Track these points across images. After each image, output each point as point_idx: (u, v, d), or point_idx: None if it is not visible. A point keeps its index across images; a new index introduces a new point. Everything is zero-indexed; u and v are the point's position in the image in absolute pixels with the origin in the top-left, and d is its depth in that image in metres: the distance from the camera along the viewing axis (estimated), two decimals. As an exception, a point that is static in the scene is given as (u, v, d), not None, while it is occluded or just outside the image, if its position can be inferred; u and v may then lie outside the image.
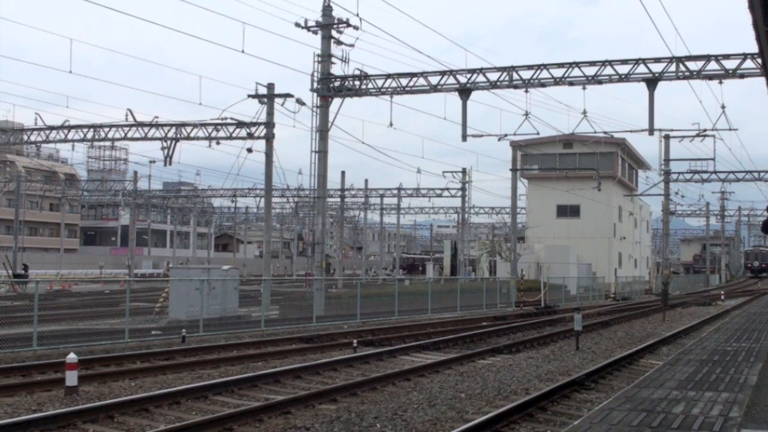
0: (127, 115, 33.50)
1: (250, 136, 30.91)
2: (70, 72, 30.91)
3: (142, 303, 27.49)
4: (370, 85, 28.82)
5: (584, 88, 27.43)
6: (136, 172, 67.00)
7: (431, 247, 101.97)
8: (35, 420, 9.27)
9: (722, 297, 44.38)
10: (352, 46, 28.29)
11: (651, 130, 26.94)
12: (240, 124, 31.19)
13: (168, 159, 33.26)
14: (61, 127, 36.74)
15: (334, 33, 28.03)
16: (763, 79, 16.36)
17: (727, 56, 25.26)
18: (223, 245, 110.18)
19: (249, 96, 29.54)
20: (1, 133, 41.30)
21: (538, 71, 27.20)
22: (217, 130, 32.32)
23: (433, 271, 66.55)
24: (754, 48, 10.25)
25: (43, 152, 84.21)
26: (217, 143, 32.68)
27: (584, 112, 28.05)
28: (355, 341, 17.83)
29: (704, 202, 79.23)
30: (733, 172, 51.89)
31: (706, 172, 51.20)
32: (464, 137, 28.54)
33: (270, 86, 29.56)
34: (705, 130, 37.23)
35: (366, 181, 66.63)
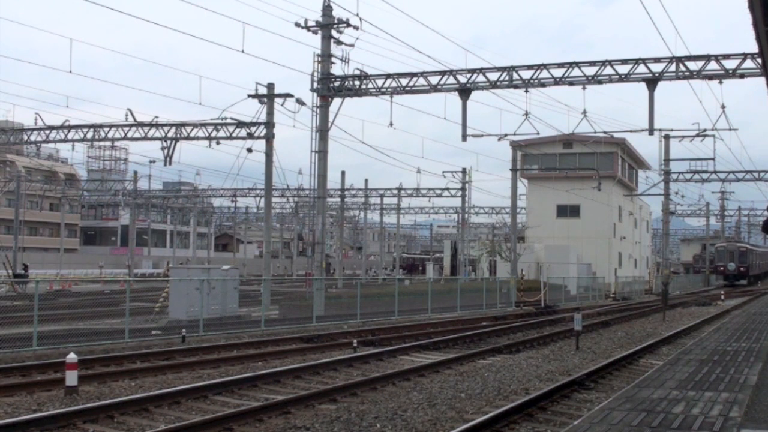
0: (127, 115, 33.51)
1: (250, 136, 30.90)
2: (70, 72, 30.84)
3: (142, 303, 27.47)
4: (370, 85, 28.82)
5: (584, 88, 27.42)
6: (136, 172, 67.06)
7: (431, 247, 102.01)
8: (35, 420, 9.27)
9: (722, 297, 44.37)
10: (352, 46, 28.30)
11: (651, 130, 26.93)
12: (240, 124, 31.18)
13: (168, 159, 33.25)
14: (61, 127, 36.72)
15: (334, 33, 28.03)
16: (763, 79, 16.35)
17: (727, 56, 25.25)
18: (223, 245, 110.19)
19: (249, 96, 29.54)
20: (1, 133, 41.30)
21: (538, 71, 27.19)
22: (217, 130, 32.31)
23: (433, 271, 66.53)
24: (754, 48, 10.26)
25: (43, 152, 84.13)
26: (217, 143, 32.67)
27: (584, 112, 28.07)
28: (355, 341, 17.84)
29: (704, 202, 79.26)
30: (733, 172, 51.89)
31: (706, 172, 51.22)
32: (464, 137, 28.54)
33: (270, 86, 29.55)
34: (705, 130, 37.18)
35: (366, 181, 66.66)
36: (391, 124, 30.49)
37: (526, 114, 28.25)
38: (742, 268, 69.99)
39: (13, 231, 58.96)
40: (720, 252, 71.92)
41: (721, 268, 70.71)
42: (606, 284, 48.77)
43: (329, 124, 28.75)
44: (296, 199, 70.08)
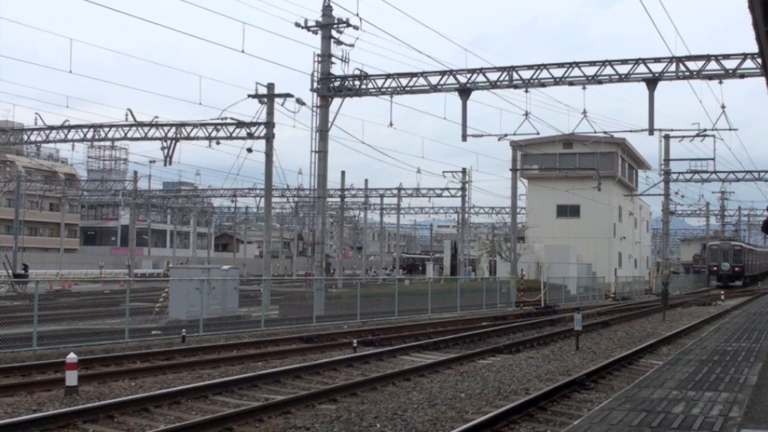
0: (127, 115, 33.50)
1: (250, 136, 30.89)
2: (70, 72, 30.87)
3: (142, 303, 27.48)
4: (370, 85, 28.83)
5: (584, 88, 27.44)
6: (136, 172, 67.05)
7: (431, 247, 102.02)
8: (35, 420, 9.27)
9: (722, 297, 44.39)
10: (352, 46, 28.31)
11: (651, 130, 26.94)
12: (240, 124, 31.18)
13: (168, 159, 33.24)
14: (61, 127, 36.71)
15: (334, 33, 28.04)
16: (763, 79, 16.35)
17: (727, 56, 25.25)
18: (223, 245, 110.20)
19: (249, 96, 29.53)
20: (1, 133, 41.29)
21: (538, 71, 27.19)
22: (217, 130, 32.30)
23: (433, 271, 66.55)
24: (754, 48, 10.26)
25: (43, 152, 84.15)
26: (217, 143, 32.65)
27: (584, 112, 28.08)
28: (355, 341, 17.84)
29: (704, 202, 79.25)
30: (733, 172, 51.90)
31: (706, 172, 51.23)
32: (464, 137, 28.55)
33: (270, 86, 29.54)
34: (705, 130, 37.18)
35: (366, 180, 66.67)
36: (391, 124, 30.53)
37: (526, 114, 28.28)
38: (736, 269, 65.79)
39: (13, 231, 58.95)
40: (713, 251, 67.43)
41: (715, 268, 66.40)
42: (606, 284, 48.78)
43: (329, 124, 28.76)
44: (296, 199, 70.08)
